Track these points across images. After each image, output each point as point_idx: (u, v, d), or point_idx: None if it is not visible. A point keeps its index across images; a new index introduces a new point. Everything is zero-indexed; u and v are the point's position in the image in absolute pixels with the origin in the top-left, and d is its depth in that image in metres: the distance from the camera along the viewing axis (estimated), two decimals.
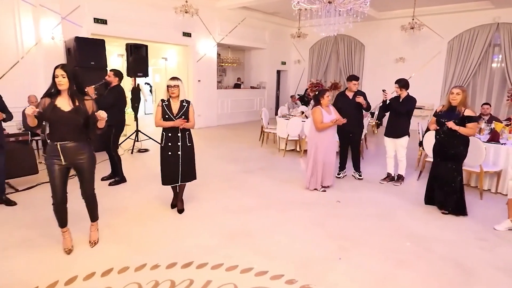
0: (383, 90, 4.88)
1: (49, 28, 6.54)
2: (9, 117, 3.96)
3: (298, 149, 7.10)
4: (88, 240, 3.18)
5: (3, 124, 4.05)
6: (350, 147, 5.38)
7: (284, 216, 3.92)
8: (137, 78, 7.34)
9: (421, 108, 10.02)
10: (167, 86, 3.58)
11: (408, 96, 4.82)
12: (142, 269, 2.78)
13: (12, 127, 5.37)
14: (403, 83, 4.81)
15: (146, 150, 7.03)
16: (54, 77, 2.69)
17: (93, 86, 4.65)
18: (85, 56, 6.46)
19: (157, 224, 3.63)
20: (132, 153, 6.84)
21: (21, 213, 3.83)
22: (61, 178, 2.86)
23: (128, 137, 7.33)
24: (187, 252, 3.05)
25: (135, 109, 7.50)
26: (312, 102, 8.09)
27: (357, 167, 5.41)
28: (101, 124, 2.82)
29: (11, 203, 4.03)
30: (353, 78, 5.22)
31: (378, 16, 10.44)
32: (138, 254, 3.00)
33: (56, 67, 2.71)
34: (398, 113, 4.79)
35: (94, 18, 7.35)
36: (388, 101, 4.81)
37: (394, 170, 5.23)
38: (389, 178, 5.24)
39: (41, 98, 2.77)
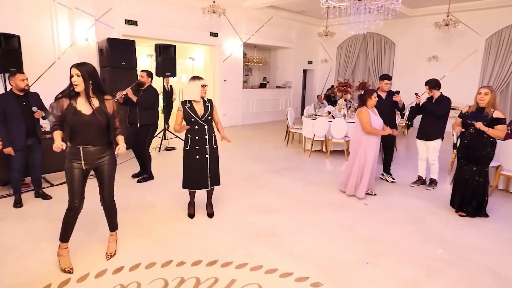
0: (416, 94, 4.67)
1: (83, 29, 6.80)
2: (47, 115, 4.14)
3: (324, 149, 6.98)
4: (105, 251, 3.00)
5: (41, 121, 4.24)
6: (383, 148, 5.22)
7: (310, 218, 3.85)
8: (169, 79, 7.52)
9: (455, 109, 9.52)
10: (202, 85, 3.44)
11: (441, 96, 4.61)
12: (168, 265, 2.82)
13: (47, 124, 5.63)
14: (433, 84, 4.60)
15: (172, 149, 7.16)
16: (70, 77, 2.54)
17: (130, 87, 4.79)
18: (116, 56, 6.68)
19: (182, 222, 3.68)
20: (159, 151, 7.00)
21: (55, 207, 4.00)
22: (81, 182, 2.70)
23: (156, 136, 7.50)
24: (211, 250, 3.06)
25: (167, 108, 7.69)
26: (339, 102, 7.93)
27: (388, 170, 5.23)
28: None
29: (46, 197, 4.22)
30: (385, 77, 5.06)
31: (410, 13, 10.07)
32: (164, 250, 3.05)
33: (71, 67, 2.55)
34: (430, 114, 4.59)
35: (125, 20, 7.57)
36: (421, 104, 4.61)
37: (425, 173, 5.02)
38: (420, 181, 5.03)
39: (57, 98, 2.58)
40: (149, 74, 4.89)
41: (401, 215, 3.99)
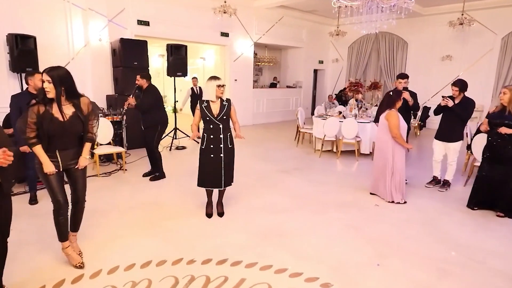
0: (443, 97, 4.51)
1: (97, 30, 6.92)
2: None
3: (334, 150, 6.94)
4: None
5: None
6: None
7: (320, 218, 3.84)
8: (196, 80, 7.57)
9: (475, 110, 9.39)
10: (217, 86, 3.45)
11: (466, 98, 4.49)
12: (178, 263, 2.85)
13: None
14: (461, 86, 4.43)
15: (183, 148, 7.22)
16: (42, 82, 2.43)
17: (131, 96, 4.88)
18: (129, 56, 6.77)
19: (193, 220, 3.70)
20: (170, 150, 7.06)
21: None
22: (59, 180, 2.63)
23: (167, 135, 7.57)
24: (221, 249, 3.08)
25: (193, 108, 7.76)
26: (350, 102, 7.87)
27: None
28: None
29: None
30: (399, 76, 4.96)
31: (423, 12, 9.92)
32: (175, 248, 3.08)
33: (43, 72, 2.43)
34: (457, 116, 4.46)
35: (138, 20, 7.67)
36: (445, 106, 4.49)
37: (440, 174, 4.93)
38: (435, 181, 4.95)
39: (32, 104, 2.44)
40: (143, 76, 4.87)
41: (413, 216, 3.93)
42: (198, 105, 3.55)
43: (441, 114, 4.68)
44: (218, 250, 3.06)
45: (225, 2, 7.81)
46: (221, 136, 3.55)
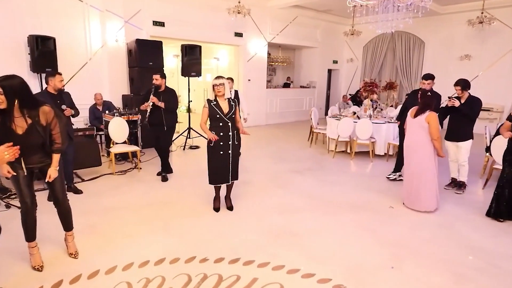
0: (449, 97, 4.45)
1: (114, 31, 7.06)
2: (77, 113, 4.32)
3: (348, 151, 6.86)
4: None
5: (72, 119, 4.43)
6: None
7: (333, 219, 3.80)
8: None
9: (489, 110, 9.14)
10: (213, 85, 3.58)
11: (471, 97, 4.42)
12: (191, 261, 2.87)
13: (79, 122, 5.88)
14: (464, 84, 4.39)
15: (197, 147, 7.28)
16: None
17: (152, 94, 4.75)
18: (144, 57, 6.88)
19: (206, 219, 3.73)
20: (184, 149, 7.13)
21: (86, 201, 4.17)
22: (26, 180, 2.56)
23: (181, 134, 7.66)
24: (234, 248, 3.09)
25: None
26: (365, 102, 7.77)
27: None
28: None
29: (78, 191, 4.41)
30: (422, 77, 4.87)
31: (441, 11, 9.70)
32: (188, 246, 3.11)
33: None
34: (464, 116, 4.39)
35: (153, 21, 7.78)
36: (456, 107, 4.40)
37: (458, 175, 4.82)
38: (454, 183, 4.84)
39: None
40: (163, 76, 4.92)
41: (428, 219, 3.85)
42: (206, 103, 3.63)
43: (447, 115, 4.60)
44: (230, 249, 3.07)
45: (239, 2, 7.83)
46: (230, 133, 3.67)
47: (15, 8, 5.87)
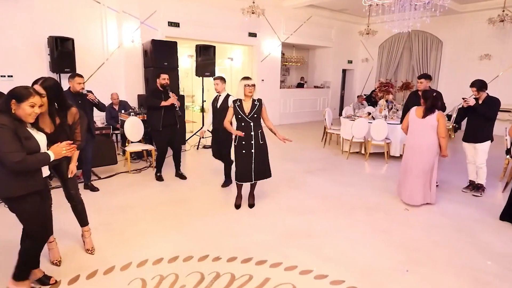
0: (463, 98, 4.38)
1: (130, 32, 7.18)
2: (102, 105, 4.41)
3: (363, 151, 6.78)
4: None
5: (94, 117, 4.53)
6: None
7: (346, 220, 3.77)
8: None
9: (509, 111, 8.86)
10: (245, 85, 3.66)
11: (489, 97, 4.31)
12: (204, 259, 2.89)
13: (96, 121, 6.01)
14: (479, 85, 4.32)
15: (210, 147, 7.31)
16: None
17: (174, 98, 4.74)
18: (159, 57, 6.96)
19: (218, 218, 3.76)
20: (197, 149, 7.19)
21: (102, 198, 4.26)
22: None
23: (195, 134, 7.72)
24: (246, 247, 3.10)
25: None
26: (380, 103, 7.66)
27: None
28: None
29: (94, 189, 4.51)
30: (418, 76, 4.90)
31: (460, 9, 9.47)
32: (201, 245, 3.14)
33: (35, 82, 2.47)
34: (482, 117, 4.30)
35: (168, 22, 7.88)
36: (472, 106, 4.32)
37: (476, 177, 4.70)
38: (472, 186, 4.72)
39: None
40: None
41: (445, 222, 3.77)
42: (231, 103, 3.78)
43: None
44: (243, 248, 3.08)
45: (253, 2, 7.85)
46: (252, 133, 3.75)
47: (36, 10, 6.05)
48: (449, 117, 8.53)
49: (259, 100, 3.77)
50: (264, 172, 3.91)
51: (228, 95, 4.57)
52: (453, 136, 8.83)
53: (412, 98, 4.95)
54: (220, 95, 4.64)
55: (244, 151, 3.77)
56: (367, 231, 3.52)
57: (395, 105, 7.81)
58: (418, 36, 10.91)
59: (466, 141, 4.60)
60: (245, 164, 3.79)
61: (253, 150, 3.76)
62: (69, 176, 2.75)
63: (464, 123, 4.70)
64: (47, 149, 2.21)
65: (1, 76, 5.76)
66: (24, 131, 2.10)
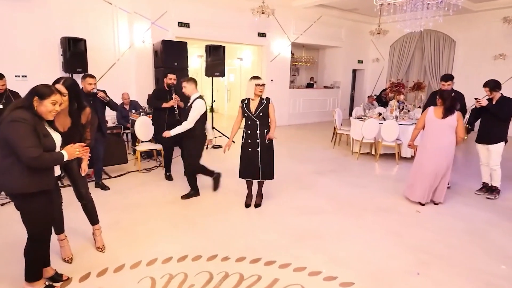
0: (476, 99, 4.31)
1: (141, 32, 7.25)
2: (113, 103, 4.49)
3: (373, 152, 6.71)
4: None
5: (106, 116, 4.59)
6: None
7: (356, 222, 3.73)
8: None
9: None
10: (255, 85, 3.70)
11: (503, 98, 4.23)
12: (213, 259, 2.90)
13: (107, 120, 6.08)
14: (493, 85, 4.25)
15: (219, 146, 7.34)
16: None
17: (176, 99, 4.74)
18: (169, 57, 7.02)
19: (228, 218, 3.76)
20: (207, 148, 7.21)
21: (113, 197, 4.31)
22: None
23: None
24: (255, 248, 3.09)
25: None
26: (391, 103, 7.57)
27: None
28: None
29: (105, 188, 4.56)
30: (442, 78, 4.79)
31: (474, 8, 9.30)
32: (210, 244, 3.14)
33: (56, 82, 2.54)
34: (495, 117, 4.21)
35: (179, 22, 7.93)
36: (484, 106, 4.25)
37: (490, 179, 4.60)
38: (486, 188, 4.63)
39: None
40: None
41: (457, 224, 3.70)
42: (240, 102, 3.84)
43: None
44: (252, 248, 3.08)
45: (263, 2, 7.84)
46: (258, 132, 3.78)
47: (50, 11, 6.16)
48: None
49: (267, 99, 3.78)
50: (268, 173, 3.91)
51: (199, 97, 4.03)
52: (465, 138, 8.67)
53: (432, 100, 4.83)
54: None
55: (250, 149, 3.81)
56: (377, 232, 3.48)
57: (406, 105, 7.71)
58: (430, 35, 10.75)
59: (479, 142, 4.52)
60: (250, 162, 3.82)
61: (258, 149, 3.79)
62: (82, 175, 2.79)
63: (477, 124, 4.60)
64: (61, 149, 2.25)
65: (16, 76, 5.88)
66: (43, 128, 2.14)
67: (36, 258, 2.36)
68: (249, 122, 3.79)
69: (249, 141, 3.80)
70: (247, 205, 4.05)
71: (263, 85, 3.73)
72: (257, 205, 4.04)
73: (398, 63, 11.87)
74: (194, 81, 4.12)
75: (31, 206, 2.20)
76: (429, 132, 4.06)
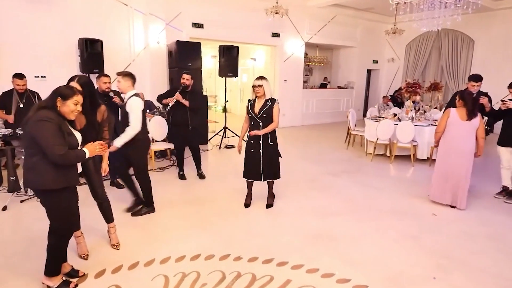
0: (502, 100, 4.19)
1: (156, 33, 7.33)
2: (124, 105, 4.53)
3: (388, 154, 6.60)
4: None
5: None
6: None
7: (371, 224, 3.67)
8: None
9: None
10: (252, 86, 3.70)
11: None
12: (226, 259, 2.90)
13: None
14: None
15: (232, 146, 7.36)
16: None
17: (178, 91, 4.74)
18: (183, 58, 7.07)
19: (240, 218, 3.76)
20: (219, 148, 7.24)
21: (127, 195, 4.34)
22: None
23: (217, 134, 7.79)
24: (268, 248, 3.08)
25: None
26: (406, 104, 7.43)
27: None
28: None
29: (120, 186, 4.63)
30: (470, 78, 4.64)
31: (494, 6, 9.04)
32: (223, 244, 3.15)
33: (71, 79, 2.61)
34: None
35: (193, 23, 7.98)
36: (505, 108, 4.13)
37: (511, 183, 4.46)
38: (505, 192, 4.49)
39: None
40: (193, 77, 4.95)
41: (477, 229, 3.60)
42: (247, 102, 3.83)
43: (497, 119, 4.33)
44: (264, 249, 3.07)
45: (277, 2, 7.82)
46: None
47: (68, 14, 6.29)
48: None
49: (272, 100, 3.69)
50: (273, 173, 3.89)
51: (134, 95, 3.54)
52: (485, 139, 8.44)
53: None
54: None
55: (252, 150, 3.80)
56: (393, 235, 3.42)
57: (422, 106, 7.56)
58: (448, 34, 10.51)
59: (502, 145, 4.37)
60: (253, 164, 3.81)
61: (261, 150, 3.76)
62: (103, 174, 2.87)
63: (497, 126, 4.47)
64: (81, 147, 2.31)
65: (35, 76, 6.03)
66: (66, 127, 2.24)
67: (58, 254, 2.43)
68: (252, 123, 3.77)
69: (252, 142, 3.79)
70: (247, 205, 4.04)
71: (260, 86, 3.63)
72: (269, 205, 4.03)
73: (414, 63, 11.65)
74: (131, 76, 3.55)
75: (56, 202, 2.29)
76: (454, 135, 3.98)
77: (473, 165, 4.05)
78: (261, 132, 3.69)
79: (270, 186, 4.06)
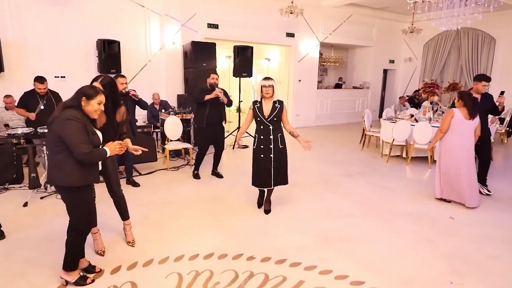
0: None
1: (171, 34, 7.43)
2: (143, 102, 4.68)
3: (404, 155, 6.48)
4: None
5: (136, 115, 4.75)
6: (477, 156, 4.62)
7: (386, 226, 3.61)
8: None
9: None
10: (261, 86, 3.54)
11: None
12: (238, 258, 2.91)
13: (138, 119, 6.28)
14: None
15: (245, 147, 7.37)
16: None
17: (219, 92, 4.75)
18: (199, 58, 7.14)
19: (253, 218, 3.77)
20: (233, 148, 7.27)
21: (143, 194, 4.44)
22: None
23: (231, 133, 7.82)
24: (281, 249, 3.08)
25: None
26: (424, 104, 7.28)
27: (483, 180, 4.61)
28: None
29: (136, 184, 4.71)
30: (482, 78, 4.48)
31: None
32: (236, 243, 3.16)
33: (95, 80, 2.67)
34: None
35: (208, 24, 8.04)
36: None
37: None
38: None
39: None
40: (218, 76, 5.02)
41: (495, 233, 3.49)
42: (252, 104, 3.64)
43: None
44: (277, 249, 3.06)
45: (292, 2, 7.79)
46: (271, 137, 3.60)
47: (87, 16, 6.45)
48: (501, 120, 7.94)
49: (280, 103, 3.57)
50: (282, 179, 3.74)
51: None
52: (505, 141, 8.19)
53: (482, 100, 4.55)
54: None
55: (262, 156, 3.61)
56: (408, 238, 3.36)
57: (440, 107, 7.39)
58: (468, 33, 10.23)
59: None
60: (263, 169, 3.64)
61: (271, 155, 3.59)
62: (123, 171, 2.95)
63: None
64: (101, 146, 2.38)
65: (55, 76, 6.20)
66: (90, 126, 2.31)
67: (76, 249, 2.50)
68: (261, 127, 3.59)
69: (262, 146, 3.61)
70: (260, 204, 3.97)
71: (270, 86, 3.50)
72: (267, 211, 3.86)
73: (432, 62, 11.39)
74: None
75: (77, 199, 2.37)
76: (460, 133, 4.05)
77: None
78: (306, 144, 3.57)
79: (270, 192, 3.88)
